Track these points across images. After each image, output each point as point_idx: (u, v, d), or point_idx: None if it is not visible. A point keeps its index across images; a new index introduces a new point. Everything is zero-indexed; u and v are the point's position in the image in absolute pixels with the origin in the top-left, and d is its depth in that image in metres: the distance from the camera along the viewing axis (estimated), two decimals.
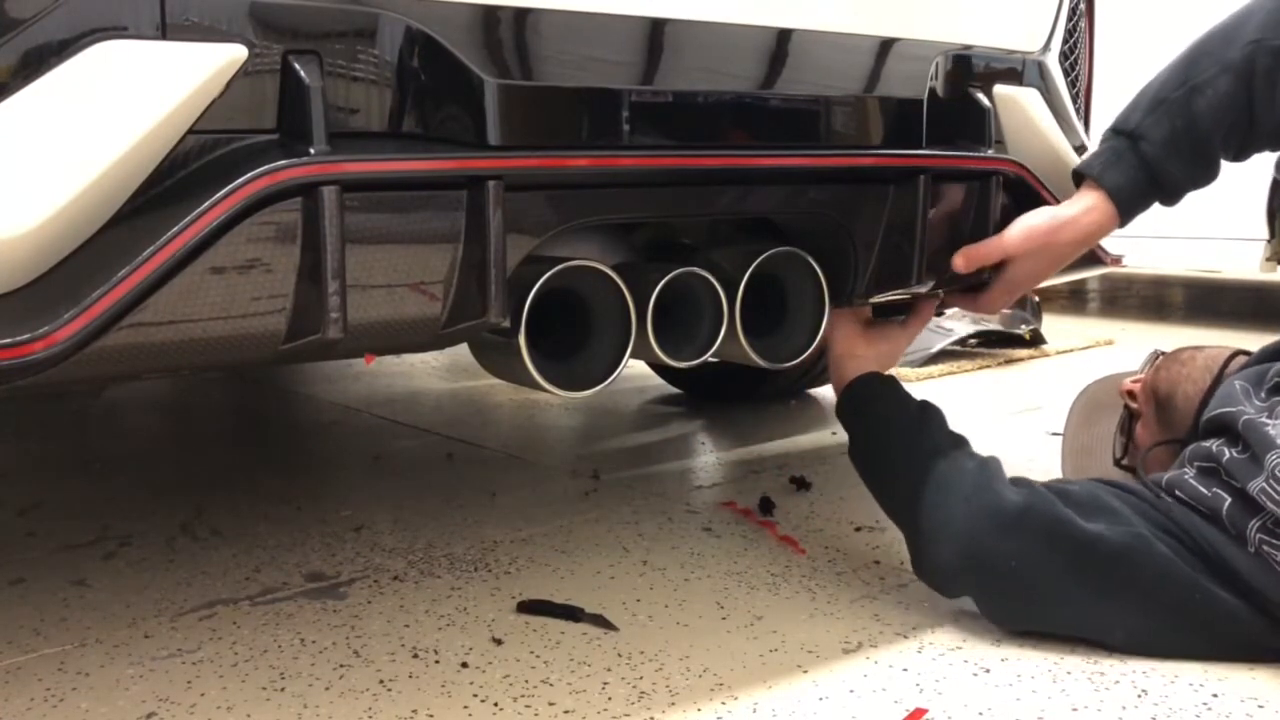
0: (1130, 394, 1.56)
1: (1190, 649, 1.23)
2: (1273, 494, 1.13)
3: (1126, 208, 1.38)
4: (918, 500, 1.30)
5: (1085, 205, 1.38)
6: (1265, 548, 1.15)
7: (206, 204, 0.91)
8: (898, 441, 1.37)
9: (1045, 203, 1.48)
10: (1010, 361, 3.12)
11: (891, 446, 1.38)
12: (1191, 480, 1.24)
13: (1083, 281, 5.05)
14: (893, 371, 1.49)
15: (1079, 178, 1.41)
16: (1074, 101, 1.68)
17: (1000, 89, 1.50)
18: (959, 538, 1.25)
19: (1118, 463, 1.57)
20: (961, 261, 1.41)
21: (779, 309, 1.38)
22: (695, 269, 1.25)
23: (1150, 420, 1.50)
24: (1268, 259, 3.60)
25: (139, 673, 1.22)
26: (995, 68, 1.51)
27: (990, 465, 1.31)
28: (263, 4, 0.96)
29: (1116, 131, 1.38)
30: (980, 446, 1.37)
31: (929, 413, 1.41)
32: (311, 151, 0.96)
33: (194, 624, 1.34)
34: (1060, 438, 1.74)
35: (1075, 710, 1.13)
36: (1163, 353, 1.59)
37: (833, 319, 1.48)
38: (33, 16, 0.87)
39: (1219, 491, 1.20)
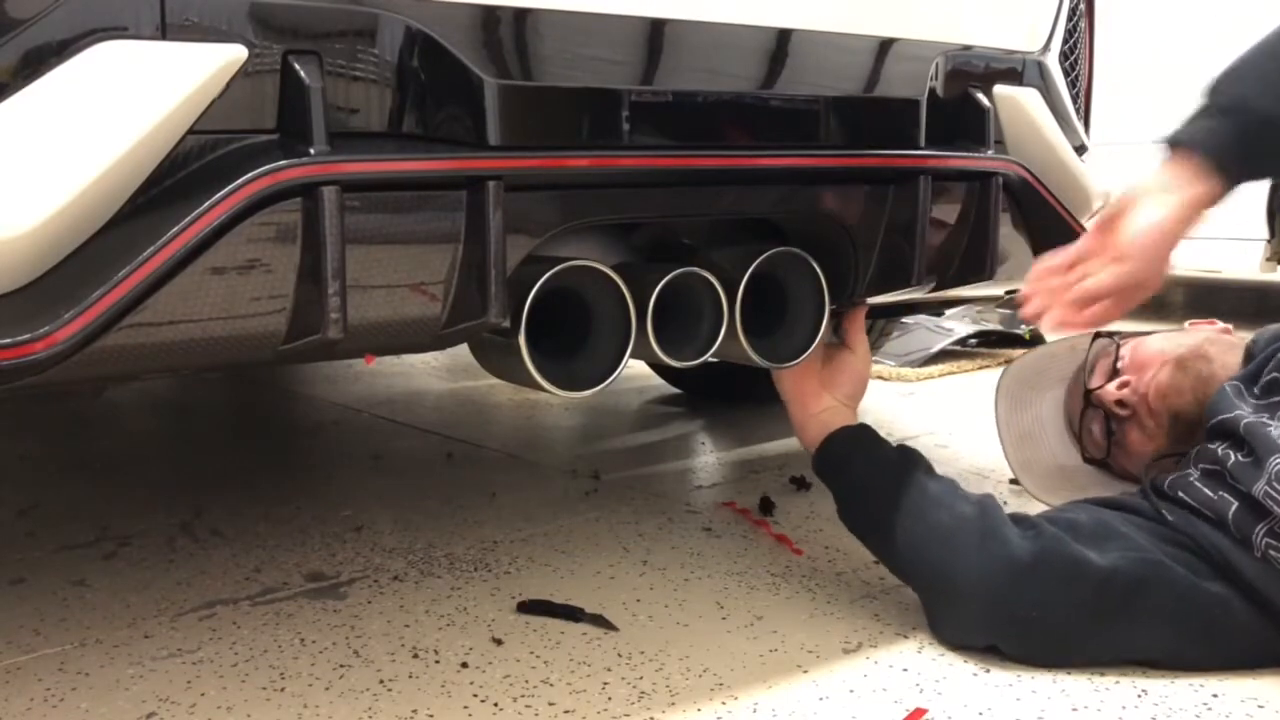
0: (1121, 404, 1.45)
1: (1225, 661, 1.21)
2: (1276, 496, 1.13)
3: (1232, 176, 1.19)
4: (924, 558, 1.26)
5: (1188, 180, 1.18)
6: (1271, 552, 1.15)
7: (206, 204, 0.91)
8: (887, 498, 1.30)
9: (1045, 203, 1.48)
10: (1010, 361, 3.12)
11: (882, 505, 1.30)
12: (1197, 483, 1.23)
13: None
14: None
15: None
16: (1074, 101, 1.68)
17: (1000, 89, 1.50)
18: (975, 594, 1.22)
19: (1093, 460, 1.52)
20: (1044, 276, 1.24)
21: (779, 309, 1.38)
22: (695, 269, 1.25)
23: (1156, 431, 1.42)
24: (1268, 259, 3.60)
25: (139, 673, 1.22)
26: (995, 68, 1.51)
27: (990, 508, 1.26)
28: (263, 4, 0.96)
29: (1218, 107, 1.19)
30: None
31: (912, 459, 1.34)
32: (311, 152, 0.96)
33: (194, 624, 1.34)
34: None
35: (1075, 710, 1.13)
36: (1105, 334, 1.50)
37: (780, 378, 1.42)
38: (33, 16, 0.87)
39: (1225, 495, 1.19)
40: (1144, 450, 1.44)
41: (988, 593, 1.21)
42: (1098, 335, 1.52)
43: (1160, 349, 1.45)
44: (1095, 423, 1.50)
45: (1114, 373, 1.47)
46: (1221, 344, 1.44)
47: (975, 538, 1.22)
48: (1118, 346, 1.49)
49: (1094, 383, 1.49)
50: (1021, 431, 1.57)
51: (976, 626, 1.24)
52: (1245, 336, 1.46)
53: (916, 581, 1.30)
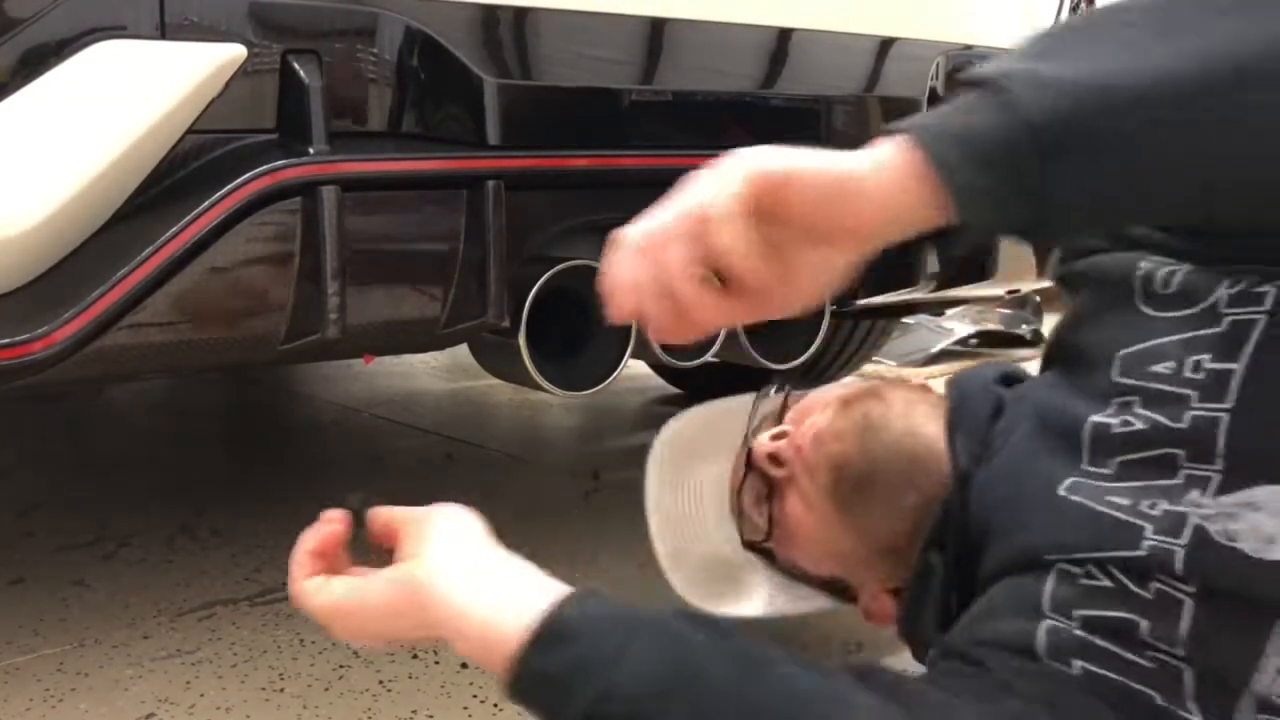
0: (775, 458, 1.01)
1: None
2: None
3: None
4: None
5: None
6: None
7: (206, 204, 0.91)
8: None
9: None
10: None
11: None
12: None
13: None
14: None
15: None
16: None
17: None
18: None
19: (753, 545, 1.08)
20: None
21: None
22: None
23: (817, 497, 0.99)
24: None
25: (138, 673, 1.22)
26: None
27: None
28: (262, 4, 0.96)
29: None
30: None
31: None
32: (311, 151, 0.96)
33: (193, 624, 1.34)
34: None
35: None
36: (792, 390, 1.11)
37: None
38: (33, 16, 0.87)
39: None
40: (807, 526, 1.01)
41: None
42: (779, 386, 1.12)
43: (826, 392, 1.08)
44: (752, 491, 1.06)
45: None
46: (910, 394, 1.04)
47: None
48: (786, 396, 1.09)
49: (755, 441, 1.07)
50: (677, 513, 1.14)
51: None
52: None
53: None
